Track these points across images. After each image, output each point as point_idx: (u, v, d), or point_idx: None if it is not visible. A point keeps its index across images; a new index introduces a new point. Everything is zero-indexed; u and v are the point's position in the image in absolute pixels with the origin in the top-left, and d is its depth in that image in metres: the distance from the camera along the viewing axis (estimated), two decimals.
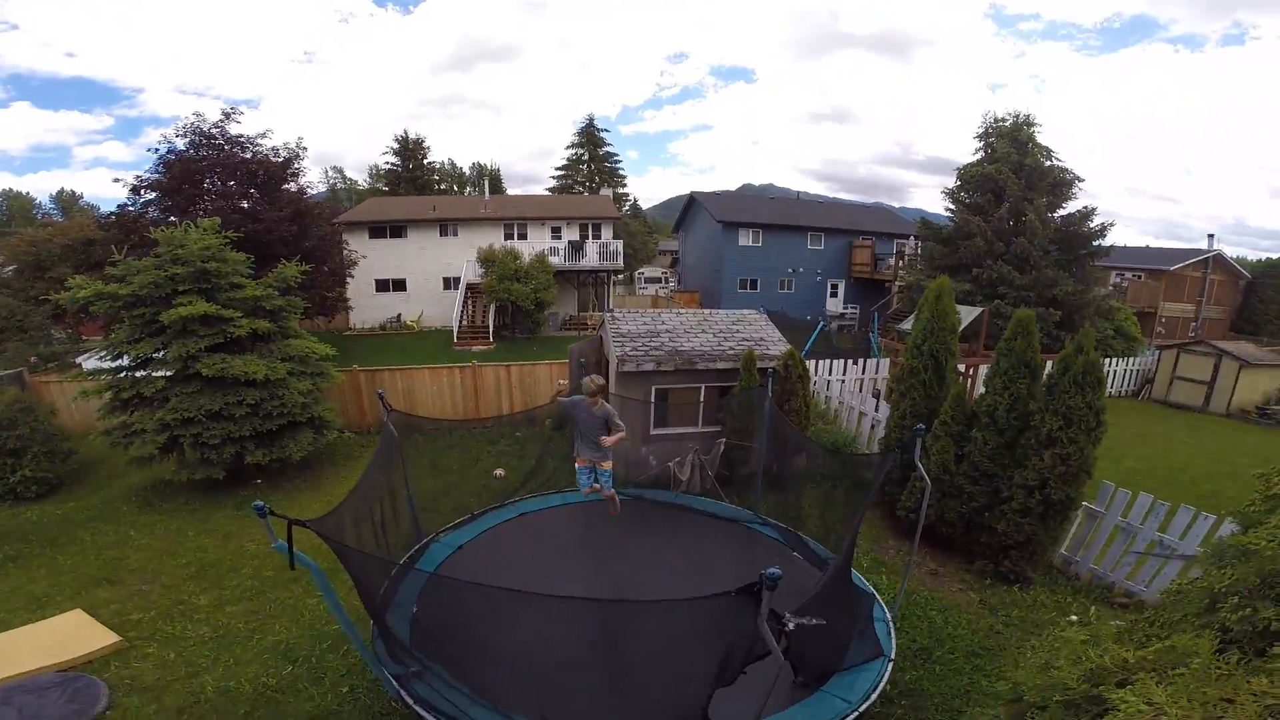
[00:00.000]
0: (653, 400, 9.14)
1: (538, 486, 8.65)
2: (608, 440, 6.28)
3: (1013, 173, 19.09)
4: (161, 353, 9.22)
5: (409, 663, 4.72)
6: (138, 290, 9.05)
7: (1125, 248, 30.51)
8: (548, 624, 5.49)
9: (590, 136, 56.16)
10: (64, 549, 8.18)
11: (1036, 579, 6.91)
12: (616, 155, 57.69)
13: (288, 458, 9.73)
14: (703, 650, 3.71)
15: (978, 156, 20.75)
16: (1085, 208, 19.47)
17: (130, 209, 17.72)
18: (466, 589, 4.60)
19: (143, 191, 17.64)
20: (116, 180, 17.81)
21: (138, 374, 9.50)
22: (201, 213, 16.06)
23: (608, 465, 6.56)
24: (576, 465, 6.67)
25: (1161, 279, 27.12)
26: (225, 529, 8.68)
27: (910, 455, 5.10)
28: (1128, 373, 17.97)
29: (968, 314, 12.06)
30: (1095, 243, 19.63)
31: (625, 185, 58.36)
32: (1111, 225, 19.50)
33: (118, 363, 9.57)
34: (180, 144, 17.91)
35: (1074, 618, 6.35)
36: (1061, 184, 19.49)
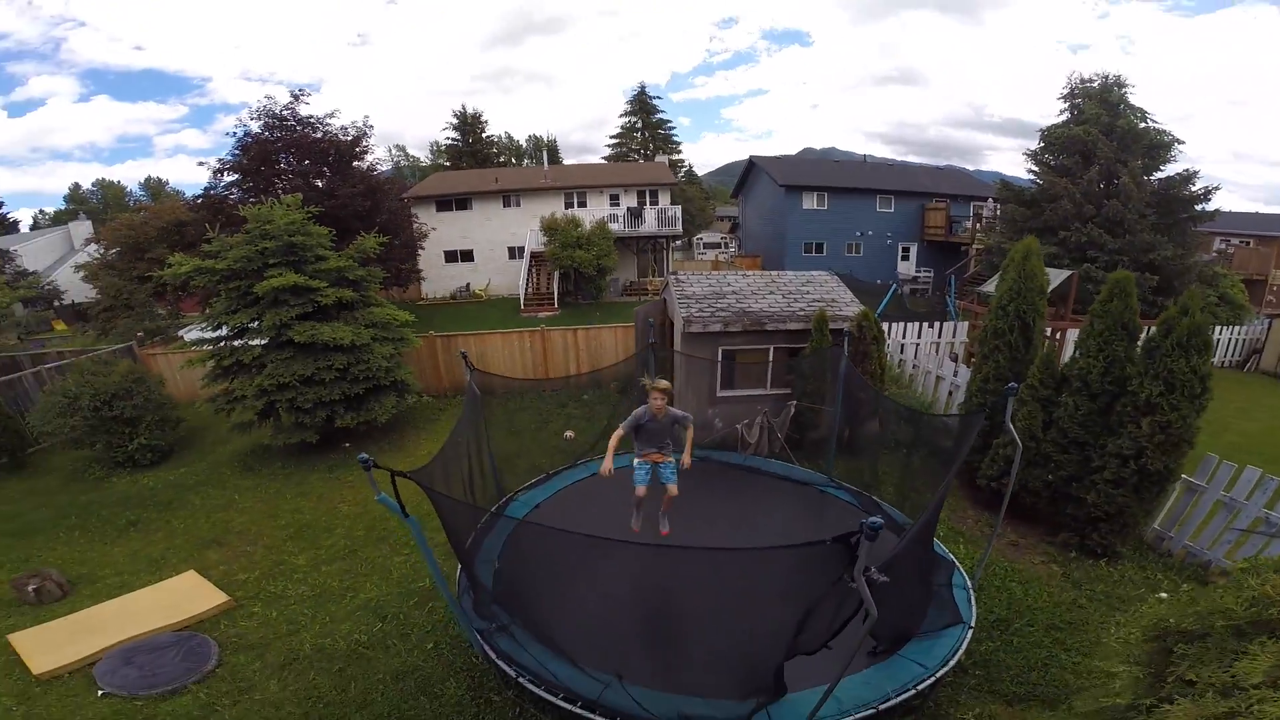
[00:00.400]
0: (719, 360, 9.05)
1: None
2: (685, 441, 5.90)
3: (1103, 134, 18.04)
4: (256, 322, 9.88)
5: (492, 618, 4.94)
6: (232, 264, 9.69)
7: (1232, 213, 27.80)
8: (625, 577, 5.65)
9: (642, 104, 55.43)
10: (176, 513, 8.83)
11: (1125, 554, 6.55)
12: (670, 122, 56.86)
13: (374, 420, 10.32)
14: (784, 607, 3.62)
15: (1063, 118, 19.78)
16: (1186, 170, 18.16)
17: (214, 191, 18.76)
18: (550, 539, 4.71)
19: (224, 174, 18.59)
20: (201, 164, 18.97)
21: (235, 343, 10.23)
22: (280, 191, 16.98)
23: (671, 459, 5.99)
24: (635, 461, 6.03)
25: (1274, 245, 24.75)
26: (319, 491, 9.24)
27: (1000, 416, 4.92)
28: (1233, 342, 16.55)
29: (1055, 276, 11.38)
30: (1198, 207, 18.29)
31: (680, 152, 57.41)
32: (1216, 189, 18.06)
33: (217, 333, 10.29)
34: (255, 126, 18.68)
35: (1164, 594, 6.05)
36: (1159, 146, 18.24)
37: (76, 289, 27.09)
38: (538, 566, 5.41)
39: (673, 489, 5.99)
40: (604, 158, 55.89)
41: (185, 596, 6.50)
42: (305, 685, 5.20)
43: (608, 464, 5.49)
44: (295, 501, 8.94)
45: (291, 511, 8.61)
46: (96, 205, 57.31)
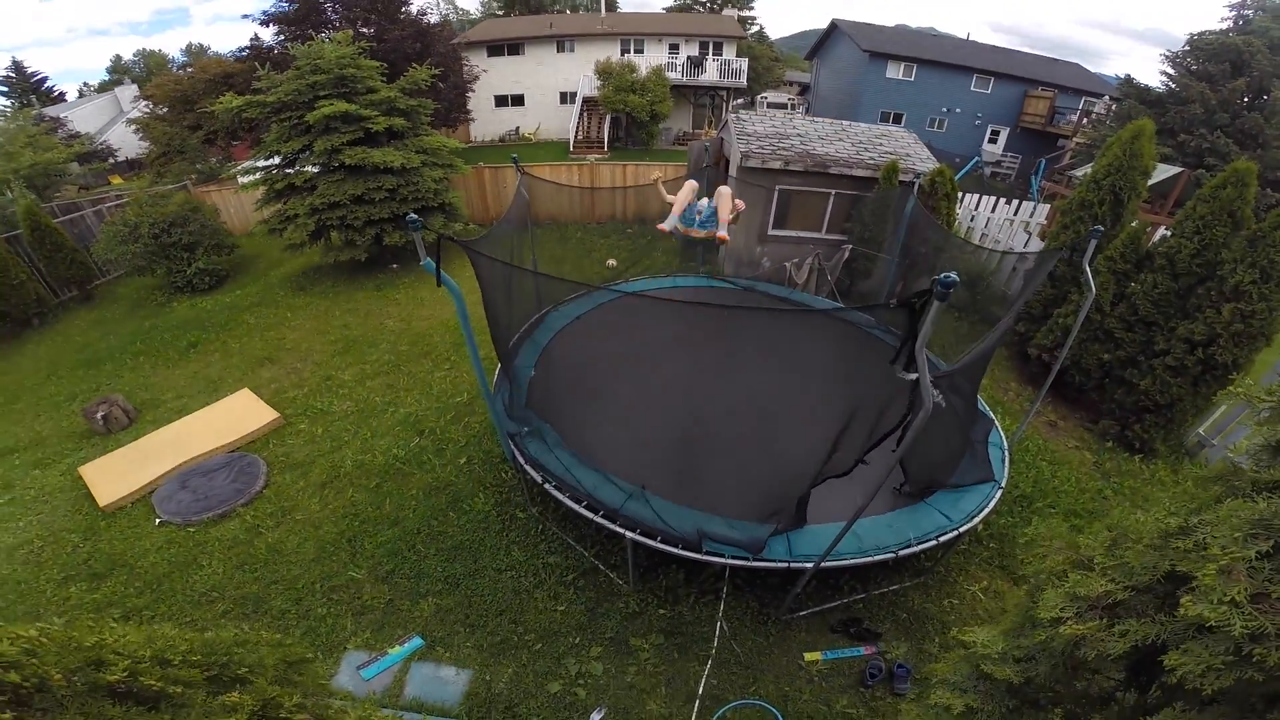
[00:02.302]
0: (775, 195, 8.55)
1: (645, 270, 8.80)
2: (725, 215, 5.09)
3: (1267, 48, 16.16)
4: (308, 151, 9.87)
5: (525, 422, 4.96)
6: (283, 97, 9.55)
7: None
8: (660, 377, 5.52)
9: None
10: (232, 333, 9.15)
11: (1162, 452, 6.32)
12: None
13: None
14: (823, 409, 3.39)
15: (1224, 25, 17.74)
16: None
17: (260, 44, 18.45)
18: (586, 343, 4.63)
19: (270, 25, 18.07)
20: (245, 17, 18.52)
21: (288, 170, 10.30)
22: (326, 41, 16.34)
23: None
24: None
25: None
26: (366, 308, 9.51)
27: (1080, 258, 4.46)
28: None
29: (1163, 170, 10.26)
30: None
31: (752, 8, 51.61)
32: None
33: (270, 161, 10.37)
34: None
35: None
36: None
37: (129, 145, 27.02)
38: (573, 372, 5.41)
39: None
40: (665, 9, 50.80)
41: (238, 416, 6.69)
42: (344, 503, 5.48)
43: (674, 215, 4.98)
44: (344, 318, 9.23)
45: (340, 328, 8.90)
46: (140, 75, 55.67)
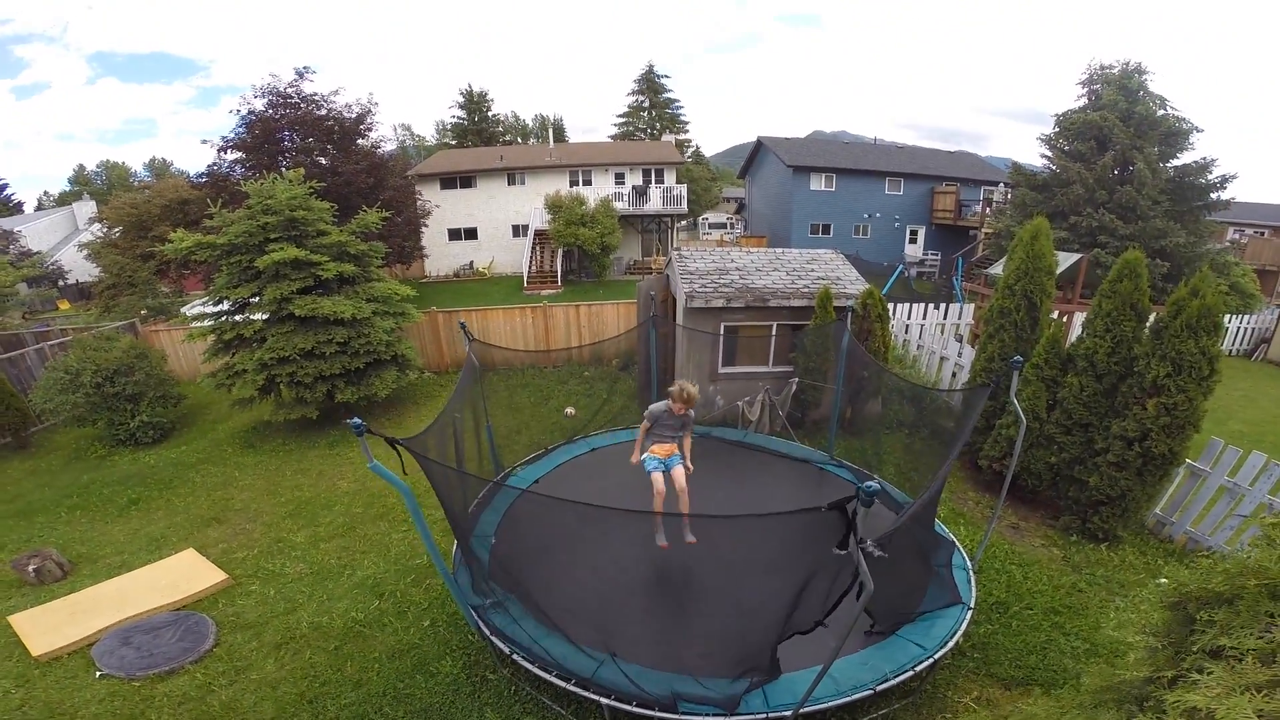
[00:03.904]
0: (721, 334, 8.96)
1: (607, 422, 8.80)
2: (686, 443, 5.81)
3: (1120, 120, 18.10)
4: (257, 297, 9.83)
5: (488, 594, 4.90)
6: (233, 239, 9.61)
7: (1249, 204, 27.42)
8: (622, 551, 5.60)
9: (650, 84, 54.58)
10: (177, 491, 8.79)
11: (1126, 538, 6.52)
12: (678, 101, 55.94)
13: (374, 395, 10.29)
14: (779, 578, 3.56)
15: (1080, 104, 19.89)
16: (1204, 159, 18.08)
17: (219, 168, 18.76)
18: (548, 512, 4.69)
19: (228, 151, 18.59)
20: (204, 142, 19.36)
21: (237, 318, 10.19)
22: (283, 169, 16.87)
23: (677, 452, 5.83)
24: (644, 457, 5.77)
25: None
26: (319, 468, 9.21)
27: (1005, 395, 4.83)
28: (1241, 330, 16.40)
29: (1065, 259, 11.22)
30: (1213, 195, 18.27)
31: (687, 132, 56.65)
32: (1233, 177, 17.92)
33: (219, 307, 10.28)
34: (259, 104, 18.67)
35: (1164, 580, 6.00)
36: (1176, 134, 18.22)
37: (81, 268, 27.11)
38: (535, 540, 5.38)
39: (679, 473, 5.74)
40: (610, 137, 55.21)
41: (184, 575, 6.47)
42: (302, 664, 5.20)
43: (637, 454, 5.67)
44: (295, 478, 8.93)
45: (291, 488, 8.60)
46: (100, 187, 57.06)
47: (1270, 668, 1.42)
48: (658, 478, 5.65)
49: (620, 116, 56.28)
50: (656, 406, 5.70)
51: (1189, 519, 6.50)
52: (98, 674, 5.14)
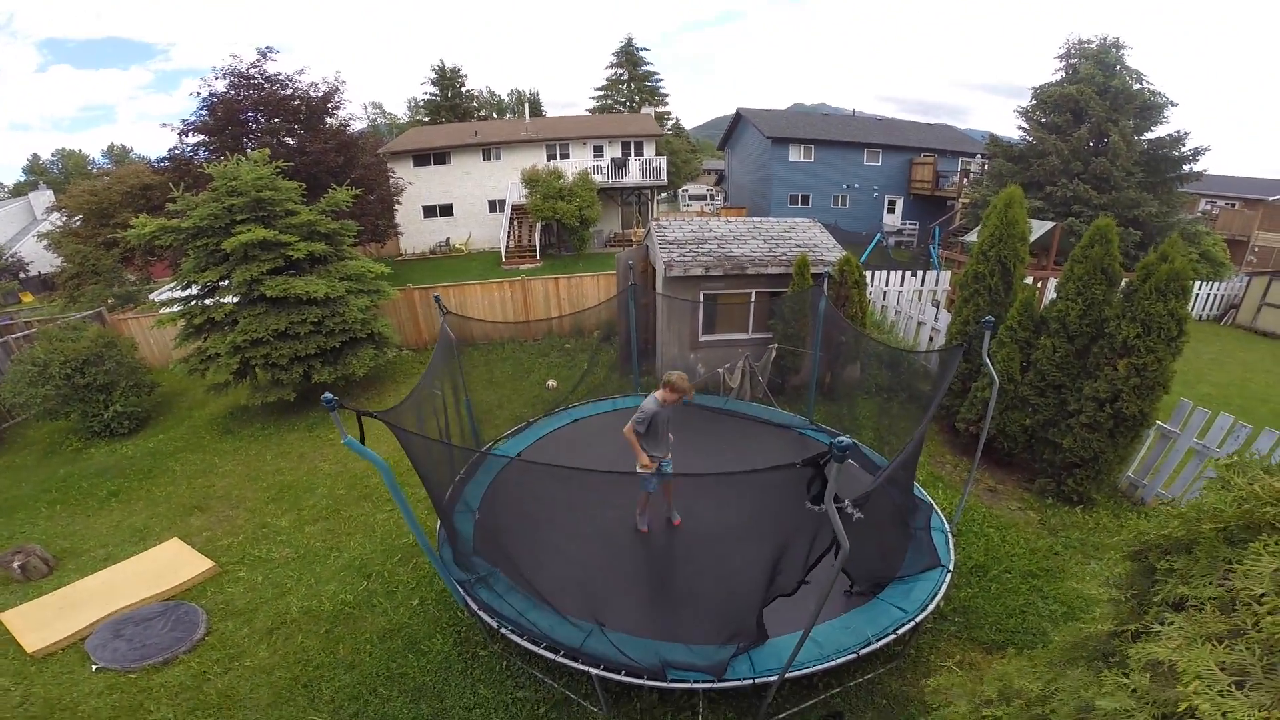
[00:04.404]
0: (700, 301, 8.96)
1: (589, 393, 8.79)
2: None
3: (1096, 94, 18.37)
4: (226, 280, 9.58)
5: (472, 570, 4.90)
6: (198, 222, 9.33)
7: (1221, 176, 27.94)
8: (601, 519, 5.59)
9: (629, 56, 53.36)
10: (157, 480, 8.65)
11: (1100, 500, 6.65)
12: (657, 74, 54.77)
13: (351, 375, 10.14)
14: (760, 542, 3.60)
15: (1057, 77, 20.13)
16: (1177, 132, 18.53)
17: (181, 152, 18.13)
18: (534, 480, 4.65)
19: (190, 134, 17.95)
20: (164, 125, 18.28)
21: (206, 301, 9.90)
22: (248, 150, 16.33)
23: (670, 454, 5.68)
24: (642, 469, 5.36)
25: (1259, 208, 25.01)
26: (299, 450, 9.11)
27: (979, 357, 4.86)
28: (1211, 296, 16.78)
29: (1039, 228, 11.36)
30: (1186, 167, 18.73)
31: (667, 104, 55.66)
32: (1206, 150, 18.39)
33: (187, 292, 10.00)
34: (220, 86, 18.01)
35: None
36: (1151, 107, 18.60)
37: (42, 259, 26.18)
38: (520, 512, 5.35)
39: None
40: (589, 110, 54.17)
41: (170, 565, 6.42)
42: (294, 649, 5.21)
43: (645, 459, 5.24)
44: (276, 463, 8.83)
45: (273, 473, 8.51)
46: (57, 175, 54.75)
47: (1230, 617, 1.43)
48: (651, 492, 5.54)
49: (599, 90, 55.13)
50: (649, 406, 5.15)
51: (1160, 481, 6.62)
52: (94, 667, 5.13)
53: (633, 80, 53.90)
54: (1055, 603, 5.29)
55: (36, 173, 58.40)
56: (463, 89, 51.14)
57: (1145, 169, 18.36)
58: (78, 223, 20.36)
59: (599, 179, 25.57)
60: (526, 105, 38.84)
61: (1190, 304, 15.11)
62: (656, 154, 28.48)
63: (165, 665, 5.14)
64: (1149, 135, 18.82)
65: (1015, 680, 2.13)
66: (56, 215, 23.51)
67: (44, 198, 33.94)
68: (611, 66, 54.42)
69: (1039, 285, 11.16)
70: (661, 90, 55.03)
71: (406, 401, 4.74)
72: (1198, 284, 16.42)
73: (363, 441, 3.60)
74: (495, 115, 57.42)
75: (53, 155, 64.20)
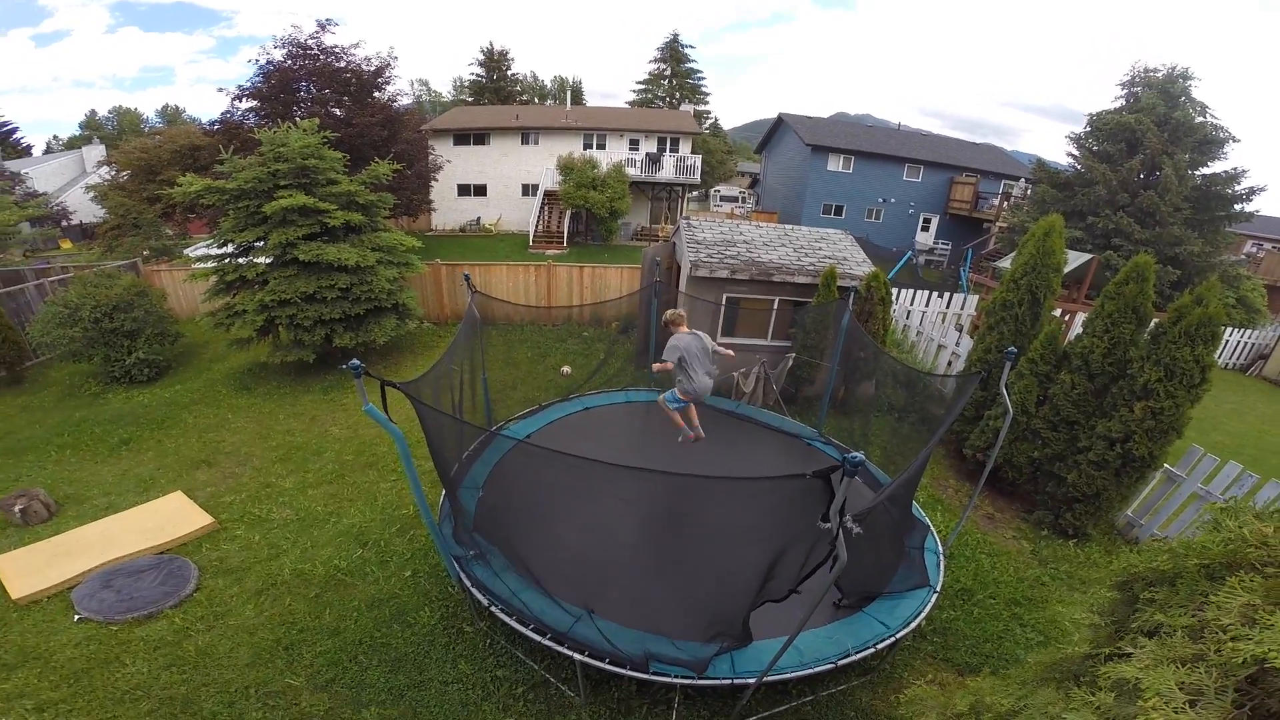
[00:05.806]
0: (723, 304, 9.00)
1: (603, 383, 8.86)
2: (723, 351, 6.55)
3: (1155, 124, 17.70)
4: (262, 241, 9.82)
5: (470, 546, 4.95)
6: (243, 184, 9.58)
7: (1272, 218, 26.98)
8: (603, 508, 5.69)
9: (674, 53, 53.19)
10: (169, 431, 8.72)
11: (1094, 536, 6.63)
12: (700, 72, 54.48)
13: (372, 342, 10.35)
14: (757, 546, 3.61)
15: (1117, 105, 19.40)
16: (1234, 169, 17.79)
17: (232, 116, 18.61)
18: (538, 465, 4.72)
19: (243, 100, 18.41)
20: (220, 90, 18.69)
21: (240, 260, 10.18)
22: (297, 118, 16.65)
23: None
24: (671, 394, 6.58)
25: None
26: (312, 413, 9.20)
27: (996, 385, 4.85)
28: (1241, 344, 16.32)
29: (1075, 259, 11.16)
30: (1237, 206, 18.02)
31: (707, 103, 55.42)
32: (1262, 190, 17.64)
33: (223, 250, 10.25)
34: (278, 55, 18.43)
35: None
36: (1211, 142, 17.86)
37: (86, 210, 26.81)
38: (523, 494, 5.46)
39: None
40: (628, 103, 54.11)
41: (169, 518, 6.39)
42: (281, 611, 5.24)
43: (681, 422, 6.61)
44: (287, 423, 8.91)
45: (283, 433, 8.58)
46: (111, 132, 56.03)
47: (1197, 643, 1.48)
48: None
49: (640, 83, 55.04)
50: (678, 340, 6.21)
51: (1158, 522, 6.60)
52: (75, 617, 5.09)
53: (675, 76, 53.74)
54: (1033, 631, 5.31)
55: (92, 128, 59.75)
56: (508, 72, 51.44)
57: (1194, 205, 17.74)
58: (125, 177, 20.99)
59: (632, 172, 25.67)
60: (569, 93, 39.09)
61: (1218, 350, 14.78)
62: (692, 152, 28.47)
63: (149, 619, 5.10)
64: (1204, 171, 18.15)
65: (988, 696, 2.18)
66: (105, 170, 24.22)
67: (95, 152, 34.78)
68: (655, 61, 54.31)
69: (1066, 319, 10.99)
70: (703, 89, 54.79)
71: (427, 375, 4.80)
72: (1228, 330, 16.03)
73: (385, 410, 3.67)
74: (537, 100, 57.64)
75: (109, 112, 65.73)
